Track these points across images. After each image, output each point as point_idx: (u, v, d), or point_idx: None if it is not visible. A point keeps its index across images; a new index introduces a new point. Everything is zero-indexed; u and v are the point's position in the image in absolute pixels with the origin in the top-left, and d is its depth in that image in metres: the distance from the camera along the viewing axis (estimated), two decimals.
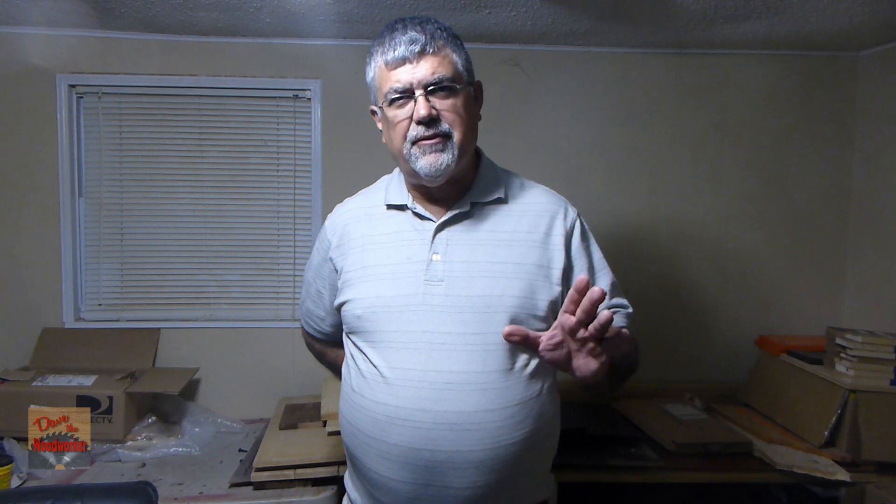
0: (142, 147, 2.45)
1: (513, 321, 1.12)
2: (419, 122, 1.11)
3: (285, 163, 2.50)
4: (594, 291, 0.91)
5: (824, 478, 1.84)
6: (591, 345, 0.97)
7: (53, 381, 2.12)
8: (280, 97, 2.47)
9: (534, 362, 1.17)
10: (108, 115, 2.44)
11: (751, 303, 2.58)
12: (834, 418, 1.98)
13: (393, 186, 1.26)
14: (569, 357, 1.01)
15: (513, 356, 1.14)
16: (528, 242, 1.19)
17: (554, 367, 1.08)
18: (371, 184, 1.35)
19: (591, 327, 0.94)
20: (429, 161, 1.13)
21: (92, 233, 2.46)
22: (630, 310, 1.29)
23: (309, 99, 2.46)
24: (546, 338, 1.01)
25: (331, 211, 1.35)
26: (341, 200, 1.35)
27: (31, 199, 2.39)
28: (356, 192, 1.36)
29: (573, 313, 0.95)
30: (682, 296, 2.57)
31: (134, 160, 2.45)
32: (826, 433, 1.98)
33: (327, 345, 1.45)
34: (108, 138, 2.44)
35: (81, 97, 2.43)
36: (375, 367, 1.16)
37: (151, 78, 2.40)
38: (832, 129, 2.55)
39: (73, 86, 2.40)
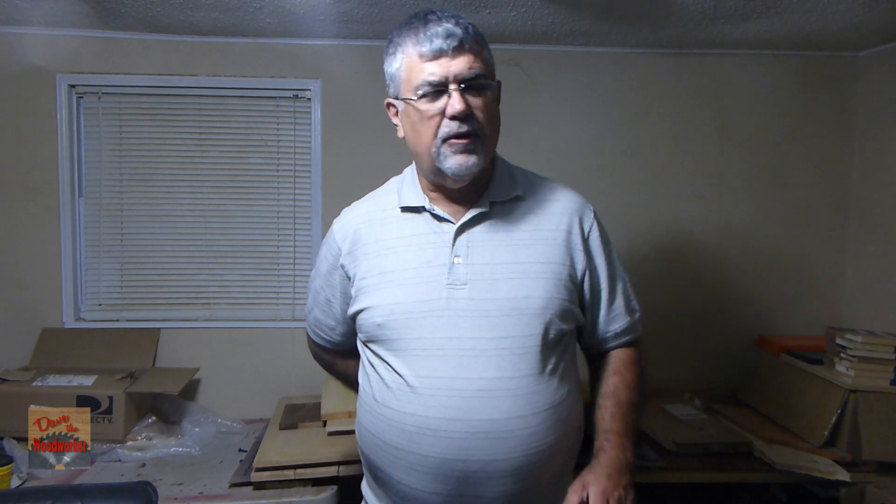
0: (142, 147, 2.45)
1: (541, 322, 1.11)
2: (453, 118, 1.08)
3: (285, 163, 2.50)
4: None
5: (824, 478, 1.84)
6: None
7: (53, 381, 2.12)
8: (280, 97, 2.47)
9: (562, 365, 1.16)
10: (108, 115, 2.44)
11: (751, 303, 2.58)
12: (834, 418, 1.98)
13: (406, 188, 1.22)
14: None
15: (543, 359, 1.12)
16: (551, 241, 1.17)
17: None
18: (373, 183, 1.32)
19: None
20: (458, 161, 1.09)
21: (92, 233, 2.46)
22: (639, 314, 1.32)
23: (309, 99, 2.46)
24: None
25: (334, 213, 1.31)
26: (341, 200, 1.31)
27: (31, 199, 2.39)
28: (356, 192, 1.32)
29: None
30: (682, 296, 2.57)
31: (134, 160, 2.45)
32: (826, 433, 1.98)
33: (336, 355, 1.41)
34: (108, 138, 2.44)
35: (81, 97, 2.43)
36: (401, 376, 1.12)
37: (151, 78, 2.40)
38: (832, 129, 2.55)
39: (73, 86, 2.40)
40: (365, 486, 1.29)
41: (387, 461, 1.15)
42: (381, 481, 1.20)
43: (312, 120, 2.46)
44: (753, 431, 2.09)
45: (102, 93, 2.42)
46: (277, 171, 2.50)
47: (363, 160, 2.40)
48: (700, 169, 2.55)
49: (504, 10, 2.07)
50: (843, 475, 1.84)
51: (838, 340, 2.07)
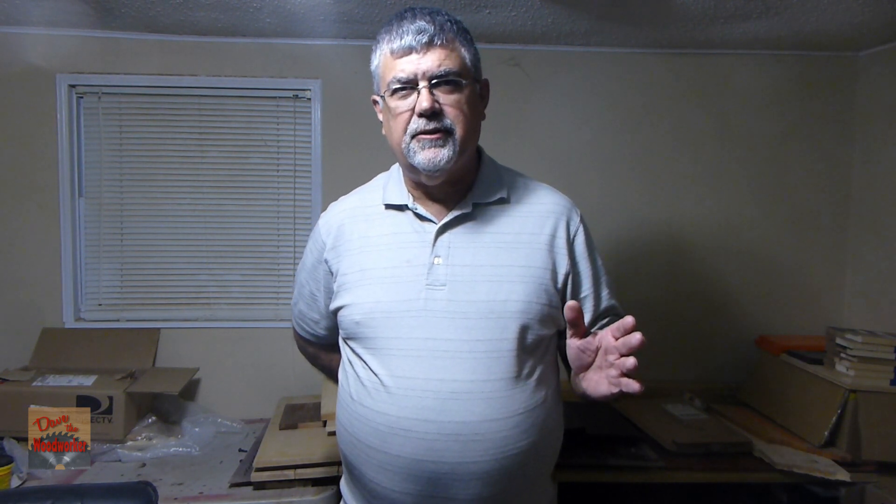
0: (142, 147, 2.45)
1: (518, 326, 1.10)
2: (421, 115, 1.08)
3: (285, 163, 2.50)
4: (635, 337, 0.94)
5: (824, 478, 1.84)
6: (613, 372, 0.98)
7: (53, 381, 2.13)
8: (280, 97, 2.47)
9: (539, 369, 1.14)
10: (108, 115, 2.44)
11: (751, 303, 2.58)
12: (834, 418, 1.98)
13: (392, 185, 1.22)
14: (589, 366, 1.03)
15: (519, 363, 1.10)
16: (533, 245, 1.16)
17: (574, 369, 1.08)
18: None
19: (620, 362, 0.97)
20: (427, 156, 1.08)
21: (92, 233, 2.46)
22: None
23: (309, 99, 2.46)
24: (586, 340, 1.03)
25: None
26: (337, 200, 1.31)
27: (31, 199, 2.39)
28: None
29: (616, 339, 0.97)
30: (682, 296, 2.57)
31: (134, 160, 2.45)
32: (826, 433, 1.98)
33: (321, 348, 1.41)
34: (108, 138, 2.44)
35: (81, 97, 2.43)
36: (376, 375, 1.12)
37: (151, 78, 2.40)
38: (832, 129, 2.55)
39: (73, 86, 2.40)
40: (343, 483, 1.30)
41: (360, 459, 1.15)
42: (355, 479, 1.20)
43: (312, 120, 2.47)
44: (753, 431, 2.09)
45: (102, 93, 2.42)
46: (277, 171, 2.50)
47: (363, 160, 2.38)
48: (700, 169, 2.55)
49: (504, 10, 2.07)
50: (843, 475, 1.84)
51: (838, 340, 2.07)
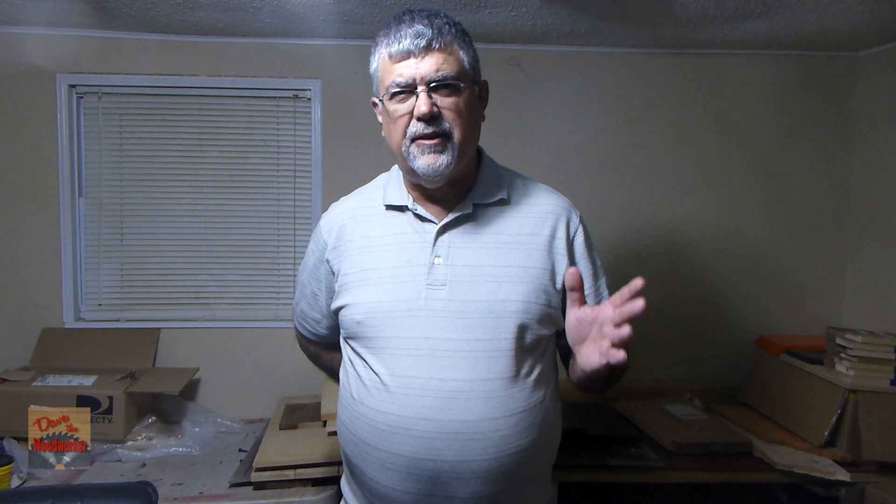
0: (142, 147, 2.45)
1: (517, 326, 1.11)
2: (419, 119, 1.08)
3: (285, 163, 2.50)
4: (637, 304, 0.92)
5: (824, 478, 1.84)
6: (605, 343, 0.96)
7: (53, 381, 2.13)
8: (280, 97, 2.47)
9: (538, 369, 1.15)
10: (108, 115, 2.44)
11: (751, 303, 2.58)
12: (834, 418, 1.98)
13: (392, 186, 1.22)
14: (584, 338, 1.02)
15: (518, 363, 1.11)
16: (532, 245, 1.16)
17: (572, 343, 1.07)
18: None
19: (615, 333, 0.94)
20: (427, 162, 1.09)
21: (92, 233, 2.46)
22: None
23: (309, 99, 2.46)
24: (583, 311, 1.01)
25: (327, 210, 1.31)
26: (339, 200, 1.32)
27: (31, 199, 2.39)
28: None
29: (616, 306, 0.95)
30: (681, 296, 2.57)
31: (134, 160, 2.45)
32: (826, 433, 1.98)
33: (322, 347, 1.42)
34: (108, 138, 2.44)
35: (81, 97, 2.43)
36: (376, 374, 1.13)
37: (151, 78, 2.40)
38: (832, 129, 2.55)
39: (73, 86, 2.40)
40: (343, 483, 1.31)
41: (361, 458, 1.16)
42: (356, 478, 1.21)
43: (312, 120, 2.47)
44: (753, 431, 2.09)
45: (102, 93, 2.42)
46: (277, 171, 2.50)
47: (363, 160, 2.39)
48: (700, 169, 2.55)
49: (504, 10, 2.07)
50: (843, 475, 1.84)
51: (838, 340, 2.07)
